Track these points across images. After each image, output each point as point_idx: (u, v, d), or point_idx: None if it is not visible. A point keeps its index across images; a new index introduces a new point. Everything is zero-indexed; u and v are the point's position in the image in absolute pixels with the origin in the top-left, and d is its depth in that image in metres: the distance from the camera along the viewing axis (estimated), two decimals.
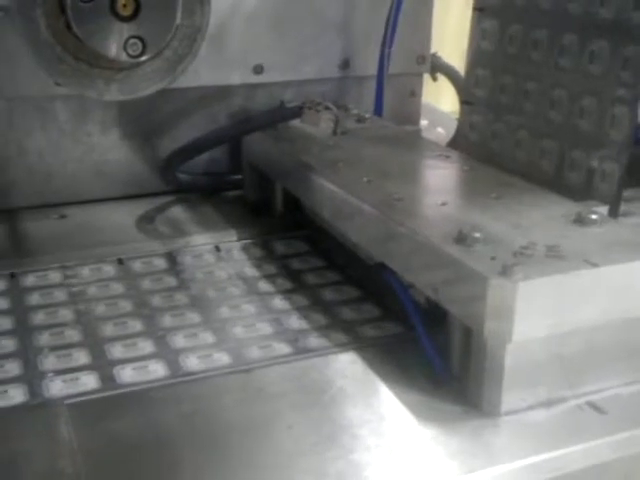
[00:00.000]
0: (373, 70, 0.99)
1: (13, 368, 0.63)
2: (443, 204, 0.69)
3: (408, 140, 0.90)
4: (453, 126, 1.17)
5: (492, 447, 0.55)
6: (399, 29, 0.96)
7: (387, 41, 0.95)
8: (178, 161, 0.94)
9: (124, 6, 0.57)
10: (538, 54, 0.85)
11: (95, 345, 0.67)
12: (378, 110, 0.97)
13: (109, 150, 0.96)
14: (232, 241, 0.87)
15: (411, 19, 1.00)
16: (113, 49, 0.61)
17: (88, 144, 0.96)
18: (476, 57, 0.93)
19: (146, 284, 0.78)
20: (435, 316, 0.63)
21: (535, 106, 0.84)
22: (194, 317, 0.72)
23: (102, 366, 0.64)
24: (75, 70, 0.59)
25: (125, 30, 0.59)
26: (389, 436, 0.57)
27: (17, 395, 0.60)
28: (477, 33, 0.93)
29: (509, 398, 0.57)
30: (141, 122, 0.96)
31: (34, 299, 0.75)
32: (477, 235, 0.59)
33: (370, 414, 0.59)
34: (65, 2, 0.56)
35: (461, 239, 0.60)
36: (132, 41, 0.60)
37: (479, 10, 0.94)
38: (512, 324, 0.54)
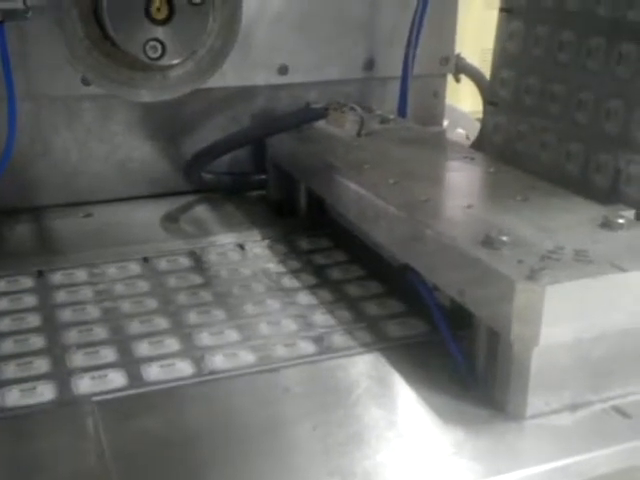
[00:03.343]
0: (397, 71, 0.99)
1: (42, 365, 0.64)
2: (469, 206, 0.69)
3: (433, 141, 0.90)
4: (473, 126, 1.17)
5: (517, 450, 0.55)
6: (423, 30, 0.96)
7: (412, 42, 0.95)
8: (203, 161, 0.94)
9: (158, 10, 0.57)
10: (564, 56, 0.84)
11: (122, 343, 0.67)
12: (402, 111, 0.97)
13: (134, 149, 0.97)
14: (256, 240, 0.88)
15: (435, 20, 1.00)
16: (141, 50, 0.61)
17: (113, 143, 0.97)
18: (501, 58, 0.93)
19: (171, 282, 0.79)
20: (460, 318, 0.63)
21: (561, 108, 0.84)
22: (219, 314, 0.72)
23: (129, 364, 0.64)
24: (107, 70, 0.60)
25: (154, 33, 0.60)
26: (414, 437, 0.57)
27: (46, 392, 0.60)
28: (503, 34, 0.93)
29: (534, 402, 0.57)
30: (166, 122, 0.97)
31: (61, 297, 0.75)
32: (504, 238, 0.59)
33: (395, 415, 0.60)
34: (100, 3, 0.57)
35: (488, 242, 0.60)
36: (157, 44, 0.61)
37: (505, 11, 0.93)
38: (539, 328, 0.54)
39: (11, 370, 0.63)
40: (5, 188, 0.87)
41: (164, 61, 0.60)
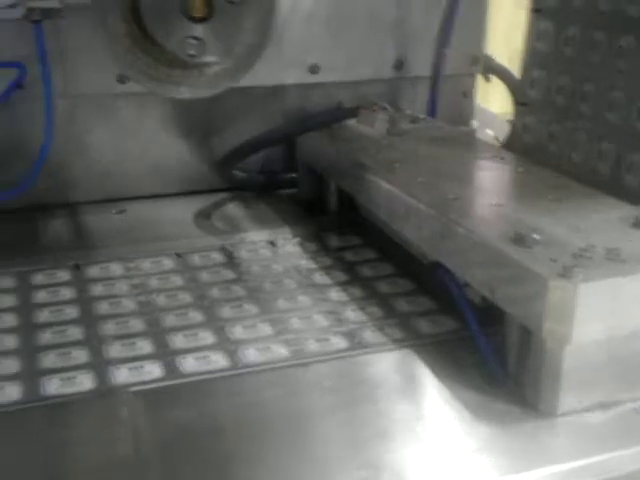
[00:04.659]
0: (427, 71, 1.00)
1: (80, 355, 0.66)
2: (499, 205, 0.69)
3: (463, 141, 0.90)
4: (502, 128, 1.17)
5: (548, 447, 0.56)
6: (453, 30, 0.97)
7: (443, 42, 0.96)
8: (235, 159, 0.96)
9: (197, 8, 0.59)
10: (595, 56, 0.84)
11: (158, 335, 0.69)
12: (432, 111, 0.98)
13: (167, 147, 0.99)
14: (287, 237, 0.89)
15: (465, 20, 1.01)
16: (180, 48, 0.63)
17: (147, 141, 0.98)
18: (532, 58, 0.93)
19: (204, 277, 0.80)
20: (490, 315, 0.64)
21: (592, 108, 0.84)
22: (252, 309, 0.74)
23: (165, 355, 0.66)
24: (147, 68, 0.61)
25: (193, 31, 0.61)
26: (444, 433, 0.58)
27: (85, 381, 0.62)
28: (533, 34, 0.93)
29: (566, 399, 0.57)
30: (199, 121, 0.98)
31: (98, 290, 0.77)
32: (536, 236, 0.60)
33: (425, 411, 0.61)
34: (140, 1, 0.58)
35: (520, 240, 0.60)
36: (195, 42, 0.62)
37: (535, 11, 0.94)
38: (571, 326, 0.55)
39: (51, 360, 0.65)
40: (41, 185, 0.89)
41: (202, 58, 0.61)
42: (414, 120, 0.92)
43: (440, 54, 0.97)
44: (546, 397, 0.58)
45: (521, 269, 0.58)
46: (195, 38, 0.60)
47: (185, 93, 0.63)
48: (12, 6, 0.85)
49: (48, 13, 0.86)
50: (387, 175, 0.78)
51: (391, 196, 0.75)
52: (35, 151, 0.88)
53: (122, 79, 0.91)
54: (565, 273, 0.55)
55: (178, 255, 0.85)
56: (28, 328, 0.70)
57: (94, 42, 0.88)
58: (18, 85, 0.89)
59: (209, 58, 0.61)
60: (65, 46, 0.90)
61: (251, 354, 0.66)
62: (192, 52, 0.60)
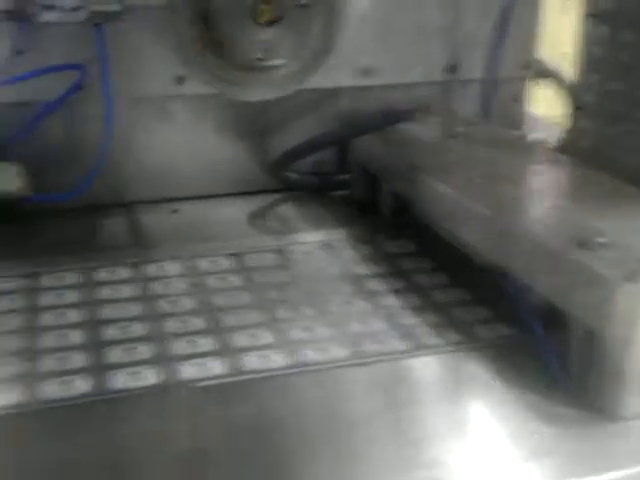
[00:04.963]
0: (479, 74, 1.00)
1: (145, 351, 0.67)
2: (559, 208, 0.69)
3: (518, 144, 0.90)
4: (549, 131, 1.16)
5: (613, 450, 0.56)
6: (507, 34, 0.97)
7: (497, 45, 0.96)
8: (289, 161, 0.97)
9: (265, 12, 0.60)
10: None
11: (219, 333, 0.70)
12: (485, 114, 0.98)
13: (222, 148, 1.00)
14: (340, 239, 0.89)
15: (517, 23, 1.00)
16: (247, 51, 0.64)
17: (202, 142, 1.00)
18: (587, 63, 0.93)
19: (260, 277, 0.81)
20: (552, 318, 0.64)
21: None
22: (308, 311, 0.74)
23: (227, 353, 0.67)
24: (216, 70, 0.63)
25: (261, 34, 0.62)
26: (505, 435, 0.58)
27: (150, 376, 0.63)
28: (588, 39, 0.93)
29: (631, 402, 0.57)
30: (254, 122, 0.99)
31: (157, 288, 0.78)
32: (600, 240, 0.60)
33: (484, 413, 0.61)
34: (210, 5, 0.59)
35: (584, 243, 0.60)
36: (264, 45, 0.63)
37: (591, 16, 0.93)
38: (637, 328, 0.55)
39: (117, 355, 0.66)
40: (98, 185, 0.91)
41: (270, 62, 0.62)
42: (469, 123, 0.92)
43: (494, 57, 0.97)
44: (610, 400, 0.58)
45: (587, 272, 0.58)
46: (263, 42, 0.61)
47: (252, 95, 0.64)
48: (75, 9, 0.87)
49: (110, 16, 0.88)
50: (444, 177, 0.78)
51: (447, 198, 0.76)
52: (93, 152, 0.90)
53: (179, 80, 0.93)
54: (631, 276, 0.55)
55: (233, 255, 0.86)
56: (93, 324, 0.71)
57: (151, 44, 0.91)
58: (78, 87, 0.91)
59: (277, 61, 0.62)
60: (123, 48, 0.92)
61: (310, 354, 0.67)
62: (260, 55, 0.61)
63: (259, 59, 0.61)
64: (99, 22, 0.87)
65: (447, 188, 0.76)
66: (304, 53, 0.63)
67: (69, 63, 0.89)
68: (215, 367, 0.65)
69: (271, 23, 0.60)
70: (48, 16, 0.84)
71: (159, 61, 0.87)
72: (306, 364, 0.66)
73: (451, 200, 0.75)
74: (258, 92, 0.63)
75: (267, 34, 0.60)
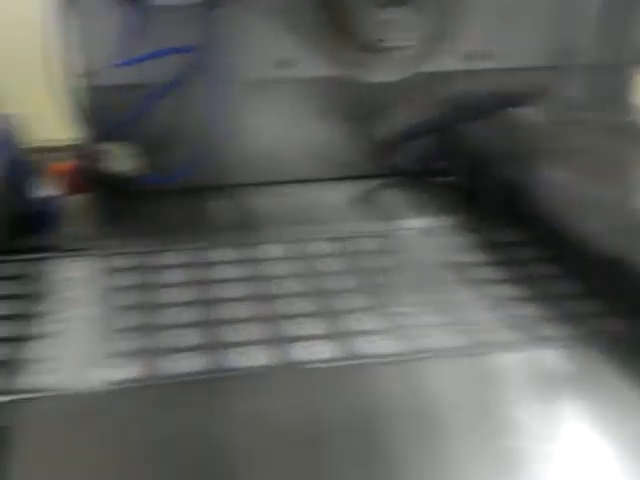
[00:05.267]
0: (594, 59, 0.95)
1: (256, 331, 0.67)
2: None
3: (634, 131, 0.86)
4: None
5: None
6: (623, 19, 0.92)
7: (615, 30, 0.91)
8: (394, 145, 0.95)
9: None
10: None
11: (327, 316, 0.70)
12: (601, 100, 0.93)
13: (325, 132, 0.99)
14: (444, 227, 0.88)
15: (630, 9, 0.96)
16: (369, 32, 0.62)
17: (305, 125, 0.99)
18: None
19: (364, 262, 0.80)
20: None
21: None
22: (415, 298, 0.73)
23: (336, 336, 0.66)
24: (338, 53, 0.62)
25: (383, 15, 0.61)
26: (627, 434, 0.55)
27: (261, 356, 0.64)
28: None
29: None
30: (358, 106, 0.98)
31: (264, 270, 0.79)
32: None
33: (606, 409, 0.58)
34: None
35: None
36: (387, 26, 0.62)
37: None
38: None
39: (229, 334, 0.67)
40: (205, 167, 0.92)
41: (392, 43, 0.61)
42: (583, 108, 0.89)
43: (611, 42, 0.92)
44: None
45: None
46: (385, 23, 0.60)
47: (373, 77, 0.63)
48: None
49: (218, 1, 0.88)
50: (563, 164, 0.75)
51: (569, 186, 0.73)
52: (200, 135, 0.92)
53: (286, 63, 0.93)
54: None
55: (336, 239, 0.85)
56: (206, 302, 0.72)
57: (262, 27, 0.91)
58: (190, 70, 0.92)
59: (398, 43, 0.61)
60: (233, 31, 0.92)
61: (421, 340, 0.66)
62: (381, 37, 0.60)
63: (380, 40, 0.60)
64: (213, 6, 0.87)
65: (568, 175, 0.73)
66: (424, 35, 0.61)
67: (183, 45, 0.90)
68: (325, 350, 0.65)
69: (394, 4, 0.58)
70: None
71: (268, 44, 0.87)
72: (420, 351, 0.65)
73: (573, 187, 0.72)
74: (378, 74, 0.62)
75: (389, 15, 0.59)
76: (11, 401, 0.58)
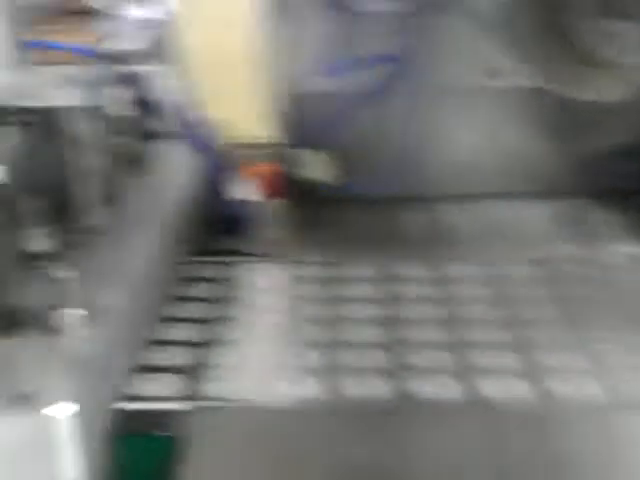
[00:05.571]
0: None
1: (445, 358, 0.63)
2: None
3: None
4: None
5: None
6: None
7: None
8: (606, 163, 0.86)
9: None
10: None
11: (523, 350, 0.64)
12: None
13: (529, 146, 0.92)
14: None
15: None
16: (596, 45, 0.56)
17: (508, 137, 0.93)
18: None
19: (566, 290, 0.73)
20: None
21: None
22: (623, 335, 0.65)
23: (532, 373, 0.61)
24: (557, 69, 0.56)
25: (614, 28, 0.54)
26: None
27: (450, 387, 0.60)
28: None
29: None
30: (567, 120, 0.90)
31: (456, 291, 0.74)
32: None
33: None
34: None
35: None
36: (615, 40, 0.55)
37: None
38: None
39: (415, 358, 0.63)
40: (400, 177, 0.89)
41: (619, 58, 0.54)
42: None
43: None
44: None
45: None
46: (610, 36, 0.53)
47: (589, 93, 0.56)
48: None
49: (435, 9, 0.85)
50: None
51: None
52: (398, 145, 0.89)
53: (492, 73, 0.87)
54: None
55: (536, 262, 0.79)
56: (393, 321, 0.69)
57: (468, 37, 0.87)
58: (391, 79, 0.89)
59: (622, 58, 0.54)
60: (437, 40, 0.88)
61: (627, 387, 0.59)
62: (608, 51, 0.53)
63: (608, 54, 0.53)
64: (422, 12, 0.84)
65: None
66: None
67: (387, 54, 0.88)
68: (517, 387, 0.59)
69: (619, 16, 0.51)
70: (370, 5, 0.83)
71: (472, 54, 0.83)
72: (622, 397, 0.58)
73: None
74: (594, 91, 0.55)
75: (621, 28, 0.52)
76: (192, 409, 0.58)
